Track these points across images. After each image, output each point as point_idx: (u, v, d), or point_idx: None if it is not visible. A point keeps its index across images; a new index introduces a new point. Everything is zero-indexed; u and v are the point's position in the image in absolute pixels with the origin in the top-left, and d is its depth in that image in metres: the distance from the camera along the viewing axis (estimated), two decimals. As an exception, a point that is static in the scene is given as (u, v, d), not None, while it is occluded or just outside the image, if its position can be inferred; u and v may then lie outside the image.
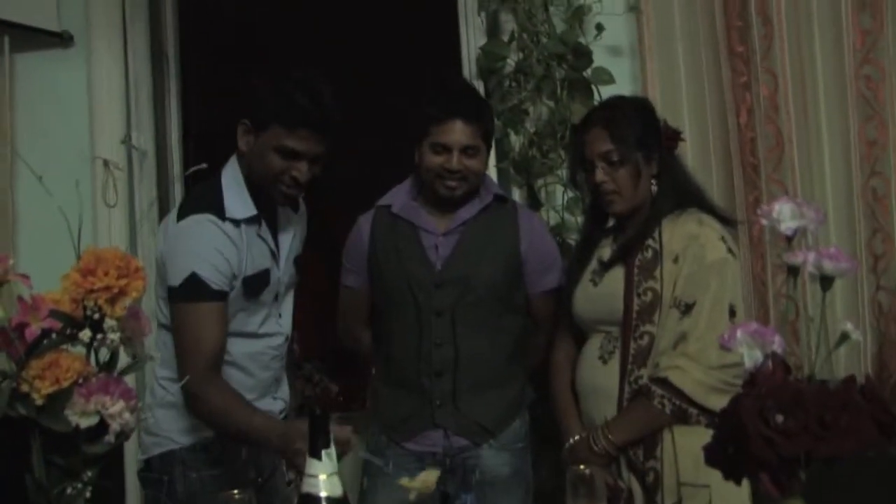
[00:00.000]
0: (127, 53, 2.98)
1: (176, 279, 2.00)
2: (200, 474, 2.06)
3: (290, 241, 2.20)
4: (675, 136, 2.21)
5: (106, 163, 2.89)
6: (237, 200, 2.06)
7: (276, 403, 2.22)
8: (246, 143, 2.06)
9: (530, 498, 2.38)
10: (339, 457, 1.49)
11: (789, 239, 1.29)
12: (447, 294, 2.30)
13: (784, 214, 1.27)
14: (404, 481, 1.74)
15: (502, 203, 2.41)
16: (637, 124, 2.17)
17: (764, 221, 1.30)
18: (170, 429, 2.09)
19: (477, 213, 2.34)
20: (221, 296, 2.01)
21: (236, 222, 2.05)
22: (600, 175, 2.16)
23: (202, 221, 2.02)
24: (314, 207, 2.36)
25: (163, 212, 2.99)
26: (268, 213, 2.13)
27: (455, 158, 2.24)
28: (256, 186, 2.07)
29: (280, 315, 2.21)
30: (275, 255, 2.15)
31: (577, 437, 2.18)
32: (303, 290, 2.36)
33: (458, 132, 2.24)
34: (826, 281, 1.25)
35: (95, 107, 2.97)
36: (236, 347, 2.07)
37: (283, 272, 2.18)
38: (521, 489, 2.36)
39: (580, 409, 2.22)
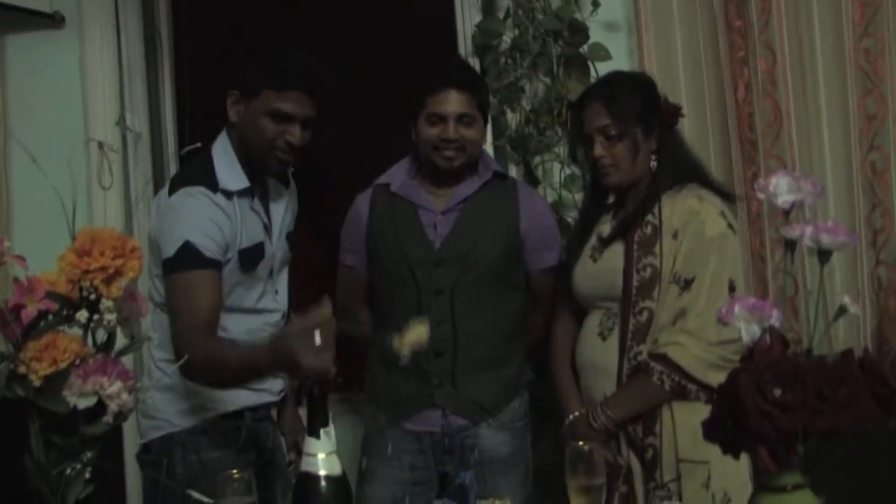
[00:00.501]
0: (120, 33, 2.96)
1: (169, 250, 1.98)
2: (200, 456, 2.05)
3: (281, 215, 2.20)
4: (675, 112, 2.21)
5: (100, 145, 2.88)
6: (229, 173, 2.06)
7: (275, 382, 2.22)
8: (236, 113, 2.06)
9: (530, 477, 2.39)
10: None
11: (786, 213, 1.29)
12: (446, 272, 2.30)
13: (781, 188, 1.27)
14: (397, 341, 1.69)
15: (502, 180, 2.41)
16: (636, 99, 2.18)
17: (761, 195, 1.30)
18: (168, 411, 2.09)
19: (476, 189, 2.34)
20: (215, 264, 1.99)
21: (228, 194, 2.05)
22: (598, 149, 2.16)
23: (194, 194, 2.02)
24: (309, 186, 2.36)
25: (158, 192, 2.99)
26: (259, 188, 2.14)
27: (451, 127, 2.25)
28: (248, 158, 2.07)
29: (276, 291, 2.21)
30: (268, 229, 2.15)
31: (576, 414, 2.19)
32: (298, 271, 2.36)
33: (452, 101, 2.26)
34: (824, 254, 1.26)
35: (89, 88, 2.95)
36: (234, 324, 2.07)
37: (277, 247, 2.18)
38: (520, 468, 2.36)
39: (580, 385, 2.23)
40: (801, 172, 2.57)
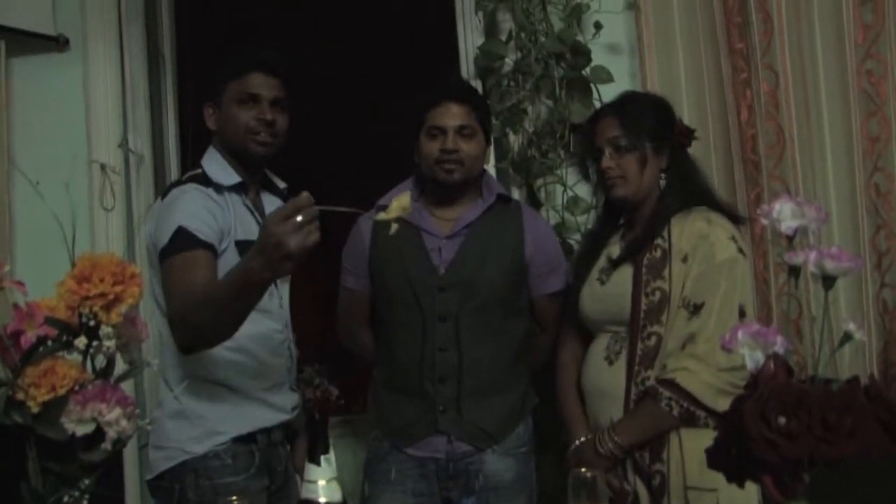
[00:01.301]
0: (123, 56, 2.97)
1: (164, 239, 1.99)
2: (213, 482, 2.05)
3: None
4: (687, 133, 2.23)
5: (103, 167, 2.88)
6: (220, 171, 2.13)
7: (292, 396, 2.23)
8: (214, 121, 2.18)
9: (534, 503, 2.37)
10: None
11: (790, 238, 1.28)
12: (451, 298, 2.29)
13: (784, 214, 1.26)
14: (380, 216, 1.66)
15: (506, 203, 2.41)
16: (649, 115, 2.19)
17: (764, 221, 1.29)
18: (180, 439, 2.08)
19: (480, 214, 2.34)
20: (210, 247, 1.98)
21: (220, 189, 2.11)
22: (607, 161, 2.18)
23: (185, 189, 2.08)
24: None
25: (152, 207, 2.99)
26: (252, 194, 2.20)
27: (450, 138, 2.26)
28: (233, 153, 2.14)
29: (282, 298, 2.23)
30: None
31: (582, 439, 2.18)
32: (301, 293, 2.35)
33: (451, 113, 2.28)
34: (828, 281, 1.25)
35: (92, 110, 2.96)
36: (243, 327, 1.99)
37: None
38: (524, 494, 2.35)
39: (586, 410, 2.22)
40: (805, 194, 2.59)
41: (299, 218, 1.55)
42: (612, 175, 2.18)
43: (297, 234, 1.55)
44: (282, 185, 2.32)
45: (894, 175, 2.63)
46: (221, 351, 2.05)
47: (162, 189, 3.01)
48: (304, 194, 1.58)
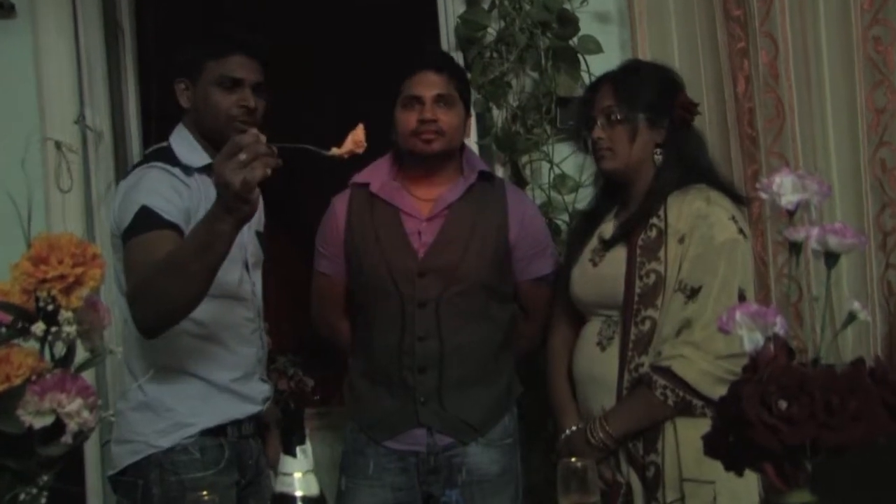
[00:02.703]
0: (77, 24, 2.93)
1: (126, 219, 1.98)
2: (180, 477, 2.04)
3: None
4: (687, 106, 2.21)
5: (58, 144, 2.85)
6: (189, 152, 2.13)
7: (262, 386, 2.23)
8: (187, 98, 2.17)
9: (521, 496, 2.38)
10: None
11: (791, 214, 1.28)
12: (431, 284, 2.29)
13: (785, 187, 1.27)
14: (332, 151, 1.71)
15: (489, 182, 2.40)
16: (647, 86, 2.19)
17: (763, 195, 1.29)
18: (145, 432, 2.07)
19: (462, 194, 2.34)
20: (175, 227, 1.97)
21: (188, 170, 2.10)
22: (598, 131, 2.18)
23: (149, 169, 2.08)
24: (280, 185, 2.35)
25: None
26: None
27: (428, 108, 2.27)
28: (208, 137, 2.14)
29: (254, 284, 2.23)
30: None
31: (573, 429, 2.19)
32: (274, 280, 2.35)
33: (428, 82, 2.29)
34: (831, 258, 1.25)
35: (44, 83, 2.92)
36: (212, 313, 2.04)
37: (248, 240, 2.19)
38: (510, 487, 2.36)
39: (577, 397, 2.22)
40: (806, 170, 2.59)
41: (242, 156, 1.61)
42: (601, 146, 2.18)
43: (241, 171, 1.61)
44: None
45: (901, 149, 2.64)
46: (190, 339, 2.05)
47: (123, 169, 3.00)
48: (251, 131, 1.65)
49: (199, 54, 2.15)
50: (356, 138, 1.71)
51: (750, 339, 1.23)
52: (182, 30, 3.32)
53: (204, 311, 1.95)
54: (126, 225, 1.98)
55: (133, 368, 2.12)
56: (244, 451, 2.17)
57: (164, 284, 1.80)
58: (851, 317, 1.25)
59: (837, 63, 2.68)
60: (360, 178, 2.39)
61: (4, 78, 2.97)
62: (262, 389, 2.24)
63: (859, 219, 2.63)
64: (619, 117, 2.16)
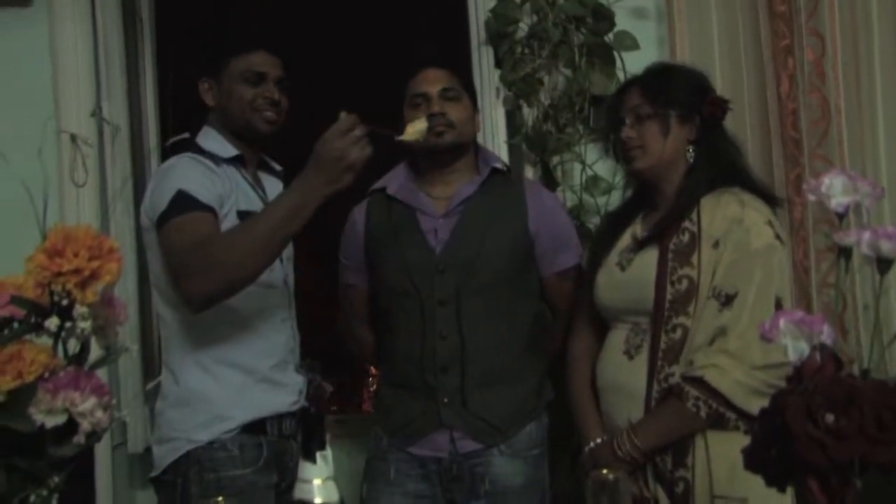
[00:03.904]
0: (95, 14, 2.93)
1: (162, 204, 2.07)
2: (218, 475, 2.10)
3: None
4: (718, 103, 2.21)
5: (73, 137, 2.86)
6: (216, 144, 2.24)
7: (298, 377, 2.30)
8: (212, 97, 2.27)
9: None
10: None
11: (840, 217, 1.27)
12: (449, 281, 2.31)
13: (835, 189, 1.25)
14: (401, 138, 2.03)
15: (505, 177, 2.43)
16: (676, 84, 2.20)
17: (811, 197, 1.28)
18: (185, 427, 2.14)
19: (477, 189, 2.37)
20: (212, 210, 2.08)
21: (216, 160, 2.20)
22: (627, 130, 2.18)
23: (181, 159, 2.18)
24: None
25: (137, 191, 2.99)
26: (252, 173, 2.31)
27: (435, 103, 2.32)
28: (235, 131, 2.25)
29: (286, 274, 2.31)
30: (266, 204, 2.25)
31: (598, 441, 2.18)
32: (294, 290, 2.38)
33: (431, 78, 2.36)
34: (883, 264, 1.24)
35: (60, 75, 2.92)
36: (245, 301, 2.10)
37: None
38: (535, 500, 2.35)
39: (600, 409, 2.22)
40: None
41: (358, 132, 1.89)
42: (632, 145, 2.18)
43: (357, 146, 1.89)
44: (278, 167, 2.41)
45: (954, 153, 2.62)
46: (225, 328, 2.15)
47: (140, 163, 3.04)
48: (353, 115, 1.92)
49: (222, 51, 2.25)
50: (417, 128, 2.02)
51: (795, 349, 1.22)
52: (201, 20, 3.36)
53: (238, 298, 2.05)
54: (162, 209, 2.07)
55: (172, 364, 2.21)
56: (285, 452, 2.22)
57: (241, 252, 1.96)
58: (903, 328, 1.23)
59: (889, 62, 2.66)
60: (378, 184, 2.44)
61: (19, 69, 2.98)
62: (297, 380, 2.30)
63: (909, 226, 2.61)
64: (649, 112, 2.16)
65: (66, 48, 2.93)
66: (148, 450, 2.75)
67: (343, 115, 1.94)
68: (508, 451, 2.33)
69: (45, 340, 1.32)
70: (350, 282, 2.50)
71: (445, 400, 2.31)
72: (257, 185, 2.30)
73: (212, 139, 2.24)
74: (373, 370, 3.79)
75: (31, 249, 1.33)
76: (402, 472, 2.33)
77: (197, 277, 1.97)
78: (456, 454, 2.31)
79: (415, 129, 2.09)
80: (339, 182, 1.92)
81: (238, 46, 2.25)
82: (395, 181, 2.42)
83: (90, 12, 2.94)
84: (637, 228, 2.23)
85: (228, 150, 2.23)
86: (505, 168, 2.47)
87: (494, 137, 2.87)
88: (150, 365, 3.02)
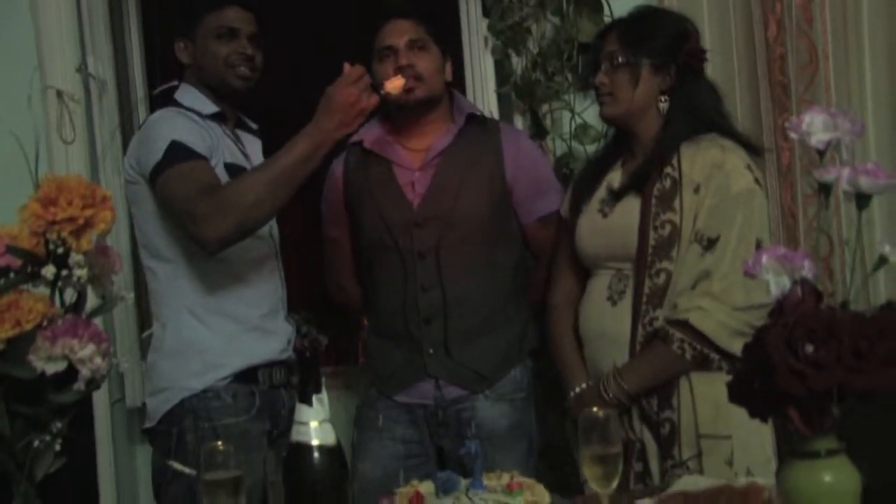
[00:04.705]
0: (76, -32, 2.91)
1: (156, 155, 2.11)
2: (213, 423, 2.15)
3: (258, 158, 2.36)
4: (694, 53, 2.22)
5: (59, 94, 2.84)
6: (196, 101, 2.27)
7: (287, 326, 2.35)
8: (188, 55, 2.31)
9: (534, 453, 2.42)
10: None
11: (821, 153, 1.29)
12: (428, 233, 2.33)
13: (815, 126, 1.28)
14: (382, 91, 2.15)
15: (481, 124, 2.43)
16: (655, 31, 2.21)
17: (793, 135, 1.31)
18: (179, 376, 2.19)
19: (453, 139, 2.37)
20: (207, 159, 2.13)
21: (199, 116, 2.24)
22: (600, 76, 2.20)
23: (165, 112, 2.23)
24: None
25: (126, 145, 2.98)
26: (231, 129, 2.35)
27: (402, 55, 2.32)
28: (211, 87, 2.28)
29: (271, 226, 2.33)
30: (248, 159, 2.31)
31: (583, 386, 2.21)
32: (284, 242, 2.43)
33: (397, 29, 2.36)
34: (862, 199, 1.27)
35: (43, 31, 2.88)
36: (235, 251, 2.14)
37: None
38: (522, 443, 2.39)
39: (584, 355, 2.24)
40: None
41: (367, 79, 2.06)
42: (603, 91, 2.20)
43: (366, 93, 2.05)
44: (254, 125, 2.43)
45: (943, 98, 2.61)
46: (216, 278, 2.20)
47: (128, 119, 3.03)
48: (360, 66, 2.08)
49: (195, 9, 2.28)
50: (396, 84, 2.18)
51: (777, 283, 1.25)
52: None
53: (228, 249, 2.10)
54: (157, 159, 2.10)
55: (163, 316, 2.25)
56: (276, 401, 2.27)
57: (256, 194, 2.04)
58: (883, 260, 1.26)
59: (876, 6, 2.65)
60: (354, 137, 2.43)
61: (1, 26, 2.95)
62: (286, 329, 2.34)
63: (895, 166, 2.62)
64: (621, 61, 2.18)
65: (48, 3, 2.88)
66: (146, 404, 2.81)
67: (348, 65, 2.08)
68: (493, 396, 2.36)
69: (42, 290, 1.34)
70: (332, 234, 2.52)
71: (430, 351, 2.35)
72: (238, 141, 2.33)
73: (191, 96, 2.28)
74: (365, 321, 3.82)
75: (20, 201, 1.34)
76: (389, 419, 2.38)
77: (212, 220, 2.03)
78: (442, 400, 2.36)
79: (393, 84, 2.19)
80: (350, 126, 2.07)
81: (210, 3, 2.27)
82: (371, 134, 2.42)
83: (71, -34, 2.91)
84: (616, 176, 2.24)
85: (209, 106, 2.26)
86: (480, 114, 2.48)
87: (483, 87, 2.87)
88: (147, 318, 3.03)
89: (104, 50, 2.97)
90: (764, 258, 1.26)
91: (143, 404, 2.83)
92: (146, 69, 3.12)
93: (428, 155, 2.38)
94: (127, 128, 3.02)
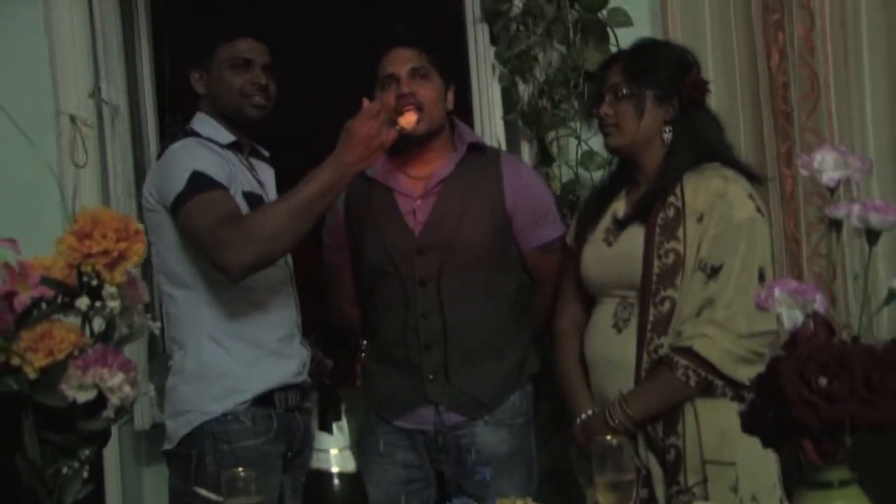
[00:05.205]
0: (90, -6, 2.94)
1: (178, 185, 2.16)
2: (233, 446, 2.19)
3: (272, 186, 2.41)
4: (697, 85, 2.25)
5: (73, 119, 2.88)
6: (213, 131, 2.32)
7: (303, 350, 2.38)
8: (203, 85, 2.36)
9: (535, 477, 2.43)
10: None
11: (832, 191, 1.33)
12: (429, 261, 2.35)
13: (826, 164, 1.31)
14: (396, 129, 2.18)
15: (481, 153, 2.45)
16: (657, 63, 2.24)
17: (804, 172, 1.34)
18: (199, 400, 2.23)
19: (454, 168, 2.39)
20: (227, 189, 2.19)
21: (217, 145, 2.29)
22: (605, 107, 2.23)
23: (184, 143, 2.27)
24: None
25: (138, 171, 3.02)
26: (245, 160, 2.38)
27: (404, 83, 2.34)
28: (227, 117, 2.33)
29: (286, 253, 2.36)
30: (263, 187, 2.36)
31: (589, 412, 2.23)
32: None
33: (399, 58, 2.37)
34: (872, 235, 1.30)
35: (57, 56, 2.92)
36: (256, 278, 2.18)
37: None
38: (522, 468, 2.40)
39: (590, 382, 2.26)
40: (843, 147, 2.61)
41: (383, 115, 2.12)
42: (608, 122, 2.23)
43: (385, 127, 2.11)
44: (266, 153, 2.47)
45: (942, 126, 2.65)
46: (238, 305, 2.24)
47: (139, 144, 3.06)
48: (378, 101, 2.18)
49: (209, 40, 2.34)
50: (409, 120, 2.22)
51: (789, 317, 1.28)
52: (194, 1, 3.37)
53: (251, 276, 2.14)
54: (179, 190, 2.15)
55: (183, 341, 2.29)
56: (291, 423, 2.31)
57: (277, 224, 2.10)
58: (892, 295, 1.29)
59: (877, 36, 2.69)
60: (368, 171, 2.44)
61: (16, 51, 2.98)
62: (301, 352, 2.38)
63: (896, 197, 2.66)
64: (625, 93, 2.21)
65: (63, 29, 2.92)
66: (154, 426, 2.83)
67: (366, 101, 2.14)
68: (493, 421, 2.38)
69: (71, 320, 1.38)
70: (333, 261, 2.55)
71: (430, 377, 2.37)
72: (252, 170, 2.37)
73: (208, 125, 2.32)
74: (363, 344, 3.84)
75: (32, 231, 1.36)
76: (390, 444, 2.40)
77: (236, 249, 2.08)
78: (441, 425, 2.37)
79: (406, 120, 2.25)
80: (371, 159, 2.13)
81: (224, 34, 2.32)
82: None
83: (85, -8, 2.94)
84: (620, 205, 2.27)
85: (225, 136, 2.31)
86: (481, 143, 2.50)
87: (491, 114, 2.91)
88: (154, 342, 3.06)
89: (117, 75, 3.00)
90: (776, 291, 1.29)
91: (152, 427, 2.88)
92: (156, 95, 3.15)
93: (429, 183, 2.39)
94: (139, 155, 3.05)
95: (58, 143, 2.89)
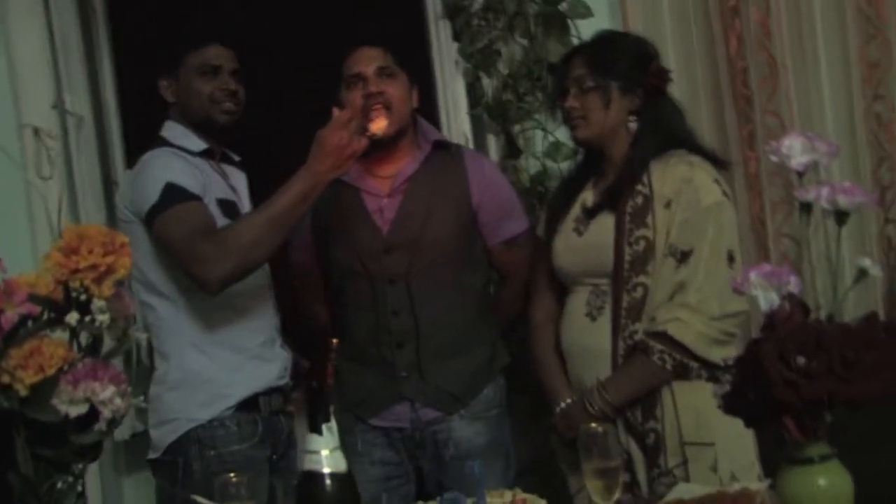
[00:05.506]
0: (48, 5, 2.88)
1: (152, 197, 2.16)
2: (219, 451, 2.20)
3: (244, 191, 2.42)
4: (659, 74, 2.29)
5: (36, 131, 2.85)
6: (184, 138, 2.32)
7: (284, 353, 2.40)
8: (172, 93, 2.36)
9: (512, 468, 2.46)
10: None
11: (800, 175, 1.37)
12: (398, 260, 2.37)
13: (794, 149, 1.36)
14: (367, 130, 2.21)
15: (446, 150, 2.48)
16: (619, 55, 2.27)
17: (773, 158, 1.38)
18: (185, 408, 2.23)
19: (419, 167, 2.41)
20: (201, 200, 2.20)
21: (189, 153, 2.30)
22: (570, 101, 2.26)
23: (156, 153, 2.28)
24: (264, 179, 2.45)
25: (106, 181, 3.00)
26: (217, 164, 2.37)
27: (371, 82, 2.35)
28: (196, 123, 2.33)
29: None
30: (236, 193, 2.36)
31: (568, 401, 2.25)
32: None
33: (366, 57, 2.39)
34: (841, 216, 1.34)
35: (17, 68, 2.87)
36: (238, 284, 2.19)
37: None
38: (499, 460, 2.43)
39: (567, 371, 2.29)
40: (801, 128, 2.66)
41: (354, 124, 2.14)
42: (574, 115, 2.26)
43: (356, 136, 2.13)
44: (236, 158, 2.47)
45: (896, 102, 2.71)
46: (220, 311, 2.25)
47: (105, 154, 3.04)
48: (348, 110, 2.18)
49: (177, 48, 2.34)
50: (380, 126, 2.24)
51: (766, 299, 1.32)
52: (156, 8, 3.36)
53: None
54: (153, 202, 2.15)
55: (166, 350, 2.29)
56: (275, 426, 2.33)
57: (254, 235, 2.12)
58: (862, 273, 1.34)
59: (830, 18, 2.73)
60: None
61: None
62: (283, 355, 2.40)
63: (856, 174, 2.71)
64: (591, 85, 2.24)
65: (22, 41, 2.86)
66: (133, 436, 2.83)
67: (337, 110, 2.16)
68: (468, 415, 2.40)
69: (59, 335, 1.38)
70: (300, 260, 2.55)
71: (404, 374, 2.39)
72: (225, 177, 2.37)
73: (179, 133, 2.32)
74: (333, 344, 3.83)
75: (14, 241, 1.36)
76: (367, 443, 2.42)
77: (213, 262, 2.09)
78: (418, 422, 2.39)
79: (377, 126, 2.26)
80: (343, 168, 2.15)
81: (192, 42, 2.33)
82: None
83: (43, 4, 2.90)
84: (588, 195, 2.30)
85: (197, 143, 2.31)
86: (446, 141, 2.53)
87: (456, 109, 2.92)
88: (128, 354, 3.04)
89: (80, 86, 2.96)
90: (752, 275, 1.33)
91: (131, 437, 2.87)
92: (119, 105, 3.13)
93: (395, 181, 2.41)
94: (105, 165, 3.02)
95: (22, 156, 2.85)
